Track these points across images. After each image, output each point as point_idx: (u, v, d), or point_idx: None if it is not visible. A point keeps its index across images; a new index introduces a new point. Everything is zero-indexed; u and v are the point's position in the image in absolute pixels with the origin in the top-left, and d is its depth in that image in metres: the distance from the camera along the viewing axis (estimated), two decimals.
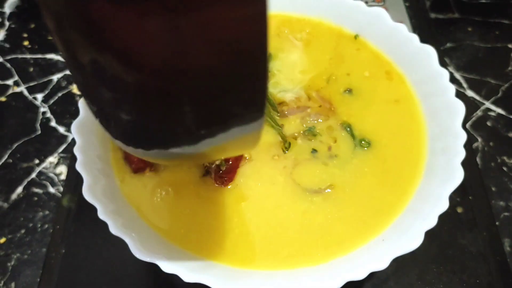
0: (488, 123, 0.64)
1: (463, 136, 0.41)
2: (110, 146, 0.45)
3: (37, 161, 0.60)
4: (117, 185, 0.43)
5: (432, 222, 0.36)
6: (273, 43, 0.54)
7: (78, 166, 0.40)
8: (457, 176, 0.38)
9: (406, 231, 0.38)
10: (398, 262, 0.37)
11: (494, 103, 0.66)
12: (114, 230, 0.36)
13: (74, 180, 0.55)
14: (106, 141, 0.45)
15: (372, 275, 0.36)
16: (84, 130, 0.43)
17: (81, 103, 0.44)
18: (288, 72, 0.52)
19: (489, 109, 0.65)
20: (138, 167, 0.43)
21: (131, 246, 0.35)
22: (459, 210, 0.52)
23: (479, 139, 0.62)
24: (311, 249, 0.40)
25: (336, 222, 0.41)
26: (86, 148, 0.42)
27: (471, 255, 0.49)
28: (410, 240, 0.36)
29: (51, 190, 0.58)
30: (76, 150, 0.41)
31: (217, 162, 0.44)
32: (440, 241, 0.50)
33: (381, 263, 0.35)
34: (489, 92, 0.67)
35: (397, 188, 0.42)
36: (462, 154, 0.40)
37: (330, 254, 0.39)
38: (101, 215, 0.36)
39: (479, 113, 0.65)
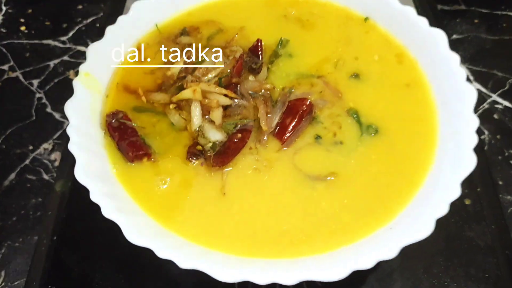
0: (495, 116, 0.62)
1: (475, 121, 0.39)
2: (104, 132, 0.43)
3: (31, 147, 0.59)
4: (112, 171, 0.41)
5: (443, 209, 0.35)
6: (281, 25, 0.53)
7: (71, 146, 0.38)
8: (470, 162, 0.37)
9: (416, 219, 0.36)
10: (404, 255, 0.35)
11: (501, 95, 0.65)
12: (107, 213, 0.34)
13: (68, 166, 0.53)
14: (100, 125, 0.44)
15: (376, 267, 0.34)
16: (78, 110, 0.41)
17: (76, 82, 0.42)
18: (297, 57, 0.50)
19: (496, 102, 0.64)
20: (135, 156, 0.42)
21: (124, 230, 0.34)
22: (467, 202, 0.50)
23: (486, 132, 0.60)
24: (315, 237, 0.38)
25: (341, 210, 0.39)
26: (80, 128, 0.40)
27: (479, 248, 0.47)
28: (420, 228, 0.34)
29: (45, 176, 0.56)
30: (69, 130, 0.39)
31: (210, 145, 0.43)
32: (447, 234, 0.48)
33: (390, 252, 0.33)
34: (496, 84, 0.66)
35: (407, 175, 0.41)
36: (474, 139, 0.38)
37: (335, 243, 0.37)
38: (94, 197, 0.35)
39: (486, 105, 0.63)
